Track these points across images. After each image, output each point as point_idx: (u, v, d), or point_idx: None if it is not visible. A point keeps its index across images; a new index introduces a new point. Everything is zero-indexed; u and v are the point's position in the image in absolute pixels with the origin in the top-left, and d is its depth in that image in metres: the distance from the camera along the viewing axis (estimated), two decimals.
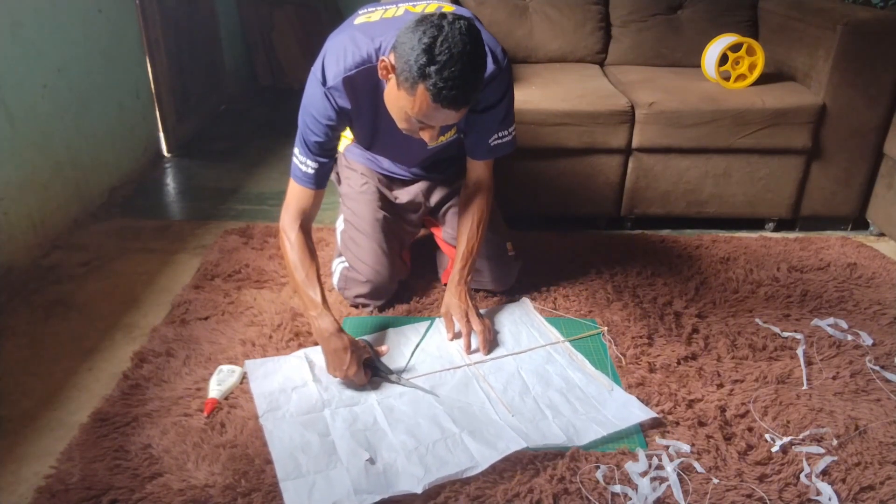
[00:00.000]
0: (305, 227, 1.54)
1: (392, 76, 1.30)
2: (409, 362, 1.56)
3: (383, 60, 1.30)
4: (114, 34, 2.49)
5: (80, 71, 2.26)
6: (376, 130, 1.58)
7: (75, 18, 2.23)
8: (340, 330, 1.46)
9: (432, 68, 1.21)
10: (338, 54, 1.42)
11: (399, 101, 1.31)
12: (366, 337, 1.62)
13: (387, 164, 1.82)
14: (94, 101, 2.34)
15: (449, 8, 1.43)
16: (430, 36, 1.20)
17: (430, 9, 1.45)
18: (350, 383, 1.46)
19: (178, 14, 3.02)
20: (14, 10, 1.92)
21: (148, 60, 2.78)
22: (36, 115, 2.03)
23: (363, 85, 1.43)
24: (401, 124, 1.39)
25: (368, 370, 1.48)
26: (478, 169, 1.67)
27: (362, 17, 1.48)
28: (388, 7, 1.48)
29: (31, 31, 2.00)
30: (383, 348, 1.58)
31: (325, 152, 1.51)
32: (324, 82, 1.42)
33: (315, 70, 1.44)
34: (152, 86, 2.82)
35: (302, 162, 1.51)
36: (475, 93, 1.28)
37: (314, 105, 1.45)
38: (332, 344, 1.44)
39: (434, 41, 1.20)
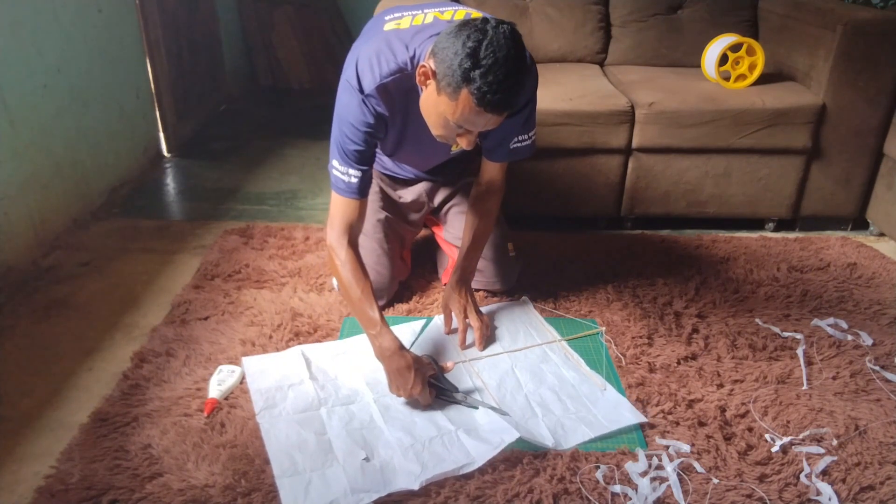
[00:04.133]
0: (354, 243, 1.49)
1: (431, 82, 1.28)
2: None
3: (423, 66, 1.28)
4: (114, 34, 2.49)
5: (80, 71, 2.26)
6: (403, 138, 1.56)
7: (75, 18, 2.23)
8: (402, 347, 1.40)
9: (477, 72, 1.19)
10: (371, 61, 1.39)
11: (439, 107, 1.29)
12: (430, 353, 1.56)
13: (390, 164, 1.82)
14: (94, 101, 2.34)
15: (477, 14, 1.43)
16: (475, 40, 1.19)
17: (459, 15, 1.43)
18: (414, 402, 1.42)
19: (178, 14, 3.02)
20: (14, 10, 1.92)
21: (148, 60, 2.78)
22: (36, 115, 2.03)
23: (396, 93, 1.41)
24: (437, 131, 1.36)
25: (433, 389, 1.41)
26: (492, 170, 1.65)
27: (391, 23, 1.44)
28: (415, 13, 1.45)
29: (31, 31, 2.00)
30: (449, 364, 1.49)
31: (366, 160, 1.46)
32: (360, 90, 1.39)
33: (349, 78, 1.40)
34: (152, 86, 2.82)
35: (343, 173, 1.45)
36: (518, 97, 1.27)
37: (351, 113, 1.41)
38: (395, 363, 1.38)
39: (479, 45, 1.19)
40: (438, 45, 1.25)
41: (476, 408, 1.41)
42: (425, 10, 1.46)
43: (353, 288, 1.44)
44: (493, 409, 1.40)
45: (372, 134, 1.43)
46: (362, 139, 1.42)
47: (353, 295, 1.44)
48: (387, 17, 1.47)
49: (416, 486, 1.21)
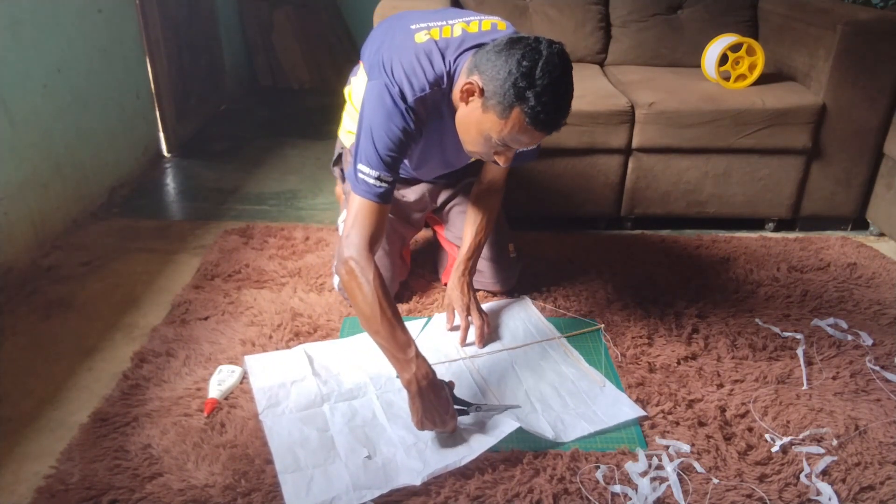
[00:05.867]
0: (375, 258, 1.39)
1: (476, 99, 1.28)
2: None
3: (469, 83, 1.27)
4: (114, 34, 2.49)
5: (80, 71, 2.26)
6: (428, 150, 1.56)
7: (75, 18, 2.23)
8: (436, 376, 1.29)
9: (531, 92, 1.20)
10: (408, 73, 1.36)
11: (483, 125, 1.29)
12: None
13: None
14: (94, 101, 2.34)
15: (502, 25, 1.43)
16: (531, 60, 1.20)
17: (486, 26, 1.43)
18: (440, 436, 1.33)
19: (178, 14, 3.02)
20: (14, 10, 1.92)
21: (148, 60, 2.78)
22: (36, 115, 2.02)
23: (430, 106, 1.40)
24: (473, 147, 1.36)
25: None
26: (495, 171, 1.66)
27: (421, 33, 1.40)
28: (441, 24, 1.42)
29: (31, 31, 2.00)
30: (453, 381, 1.39)
31: (398, 167, 1.41)
32: (404, 98, 1.35)
33: (387, 84, 1.36)
34: (152, 86, 2.82)
35: (375, 178, 1.37)
36: (566, 117, 1.28)
37: (394, 120, 1.35)
38: (435, 393, 1.27)
39: (535, 65, 1.20)
40: (485, 63, 1.26)
41: (491, 411, 1.39)
42: (450, 22, 1.43)
43: (386, 309, 1.31)
44: (505, 407, 1.40)
45: (409, 143, 1.40)
46: (400, 147, 1.38)
47: (385, 316, 1.31)
48: (413, 27, 1.43)
49: (418, 482, 1.21)
